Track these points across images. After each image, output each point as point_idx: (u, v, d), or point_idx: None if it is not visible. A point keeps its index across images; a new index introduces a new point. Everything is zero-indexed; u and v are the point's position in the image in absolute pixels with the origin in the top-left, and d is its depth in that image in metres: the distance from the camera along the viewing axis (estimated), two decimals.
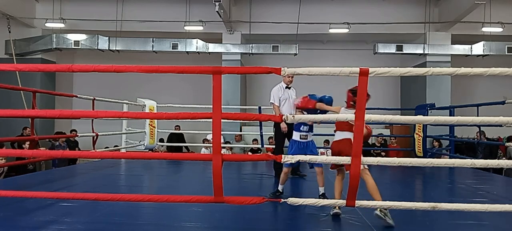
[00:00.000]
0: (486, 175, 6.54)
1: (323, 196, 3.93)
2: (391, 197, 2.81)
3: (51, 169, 8.72)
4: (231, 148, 10.15)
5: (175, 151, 10.15)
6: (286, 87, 5.48)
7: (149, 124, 8.39)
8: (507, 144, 7.68)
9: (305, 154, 3.85)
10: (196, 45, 11.41)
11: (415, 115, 8.18)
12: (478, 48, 11.07)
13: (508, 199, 4.54)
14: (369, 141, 10.06)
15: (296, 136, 4.13)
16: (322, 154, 9.08)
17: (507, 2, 11.03)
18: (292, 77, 5.45)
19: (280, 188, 4.19)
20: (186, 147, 11.43)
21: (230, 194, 2.75)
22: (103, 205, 3.48)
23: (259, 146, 9.02)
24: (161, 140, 10.63)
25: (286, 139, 5.37)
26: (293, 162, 2.74)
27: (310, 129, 4.11)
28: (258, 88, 13.21)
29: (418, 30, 11.51)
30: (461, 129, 10.39)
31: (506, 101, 6.16)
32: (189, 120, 6.29)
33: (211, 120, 2.56)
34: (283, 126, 5.20)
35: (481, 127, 7.82)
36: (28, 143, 7.52)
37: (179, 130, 11.12)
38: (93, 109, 6.41)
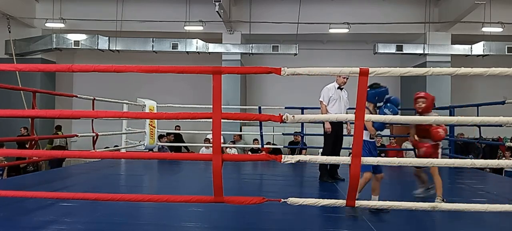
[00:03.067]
0: (486, 175, 6.55)
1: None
2: (391, 197, 2.81)
3: (51, 169, 8.73)
4: (235, 148, 10.14)
5: (174, 151, 10.14)
6: (338, 88, 5.29)
7: (149, 124, 8.39)
8: (507, 144, 7.68)
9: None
10: (196, 45, 11.41)
11: (415, 115, 8.16)
12: (478, 48, 11.07)
13: (508, 199, 4.54)
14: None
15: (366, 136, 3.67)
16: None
17: (507, 2, 11.03)
18: (347, 78, 5.24)
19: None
20: (186, 147, 11.42)
21: (230, 194, 2.75)
22: (103, 205, 3.47)
23: (259, 146, 9.02)
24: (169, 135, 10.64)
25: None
26: (293, 162, 2.73)
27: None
28: (258, 88, 13.22)
29: (418, 30, 11.51)
30: (461, 129, 10.39)
31: (506, 101, 6.15)
32: (189, 120, 6.29)
33: (211, 120, 2.56)
34: (327, 126, 5.15)
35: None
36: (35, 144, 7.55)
37: (180, 129, 11.12)
38: (93, 109, 6.41)
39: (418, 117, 3.20)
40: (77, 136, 7.37)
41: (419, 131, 4.01)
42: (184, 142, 11.47)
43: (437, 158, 3.85)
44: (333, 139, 5.27)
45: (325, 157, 2.95)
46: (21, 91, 10.24)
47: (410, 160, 2.74)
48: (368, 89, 3.52)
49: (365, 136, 3.67)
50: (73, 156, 7.89)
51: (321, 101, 5.29)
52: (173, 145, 10.41)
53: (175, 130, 10.95)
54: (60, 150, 9.38)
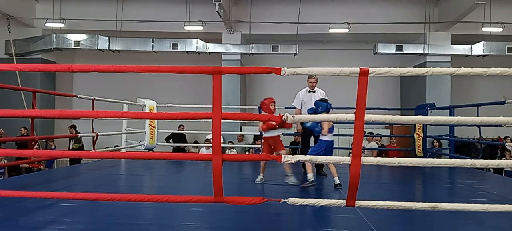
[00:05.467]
0: (486, 175, 6.55)
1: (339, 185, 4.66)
2: (391, 197, 2.81)
3: (51, 169, 8.73)
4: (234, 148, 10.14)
5: (178, 151, 10.16)
6: (309, 91, 5.70)
7: (149, 124, 8.39)
8: (507, 144, 7.68)
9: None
10: (196, 45, 11.41)
11: (415, 115, 8.19)
12: (478, 48, 11.07)
13: (508, 199, 4.54)
14: (369, 142, 10.04)
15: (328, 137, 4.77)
16: None
17: (507, 2, 11.03)
18: (315, 82, 5.68)
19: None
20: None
21: (230, 194, 2.75)
22: (103, 205, 3.47)
23: (259, 146, 9.01)
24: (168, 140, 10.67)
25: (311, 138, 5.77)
26: (293, 162, 2.73)
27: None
28: (258, 88, 13.21)
29: (418, 30, 11.51)
30: (461, 129, 10.39)
31: (506, 101, 6.15)
32: (189, 120, 6.30)
33: (211, 120, 2.56)
34: (298, 127, 5.85)
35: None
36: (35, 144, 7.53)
37: (183, 129, 11.13)
38: (93, 109, 6.41)
39: (419, 117, 3.20)
40: (77, 136, 7.38)
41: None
42: (187, 142, 11.50)
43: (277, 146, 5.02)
44: (308, 137, 5.76)
45: (324, 157, 2.95)
46: (21, 91, 10.24)
47: (410, 160, 2.74)
48: (325, 102, 4.72)
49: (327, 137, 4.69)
50: (72, 156, 7.88)
51: (294, 106, 5.87)
52: (177, 145, 10.43)
53: (180, 129, 10.97)
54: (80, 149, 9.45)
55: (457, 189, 5.31)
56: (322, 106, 4.66)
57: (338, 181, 4.70)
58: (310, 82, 5.69)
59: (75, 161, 9.03)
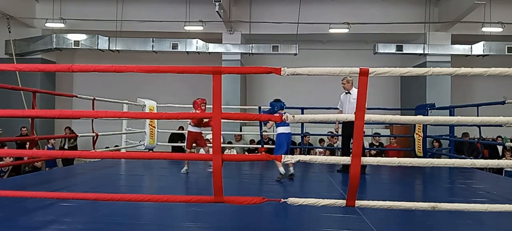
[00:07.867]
0: (486, 175, 6.54)
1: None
2: (391, 197, 2.81)
3: (51, 169, 8.73)
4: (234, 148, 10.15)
5: (177, 152, 10.14)
6: (345, 93, 5.98)
7: (149, 124, 8.40)
8: (507, 144, 7.68)
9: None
10: (196, 45, 11.41)
11: (415, 115, 8.18)
12: (478, 48, 11.07)
13: (508, 199, 4.54)
14: (368, 141, 10.04)
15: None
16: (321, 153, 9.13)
17: (507, 2, 11.03)
18: (345, 83, 5.87)
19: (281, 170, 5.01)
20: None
21: (230, 194, 2.75)
22: (103, 205, 3.47)
23: (259, 146, 9.02)
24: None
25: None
26: (293, 161, 2.73)
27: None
28: (258, 88, 13.22)
29: (418, 30, 11.51)
30: (461, 129, 10.40)
31: (506, 101, 6.15)
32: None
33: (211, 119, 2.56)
34: (335, 126, 6.56)
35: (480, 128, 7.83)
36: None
37: (183, 130, 11.12)
38: (93, 109, 6.41)
39: (419, 117, 3.20)
40: (77, 136, 7.38)
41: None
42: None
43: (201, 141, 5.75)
44: (347, 139, 6.08)
45: (324, 157, 2.95)
46: (21, 91, 10.24)
47: (410, 160, 2.74)
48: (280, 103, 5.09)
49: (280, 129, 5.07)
50: (73, 156, 7.89)
51: (338, 108, 6.28)
52: (176, 145, 10.42)
53: (179, 130, 10.96)
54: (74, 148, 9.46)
55: (457, 189, 5.31)
56: (272, 106, 5.19)
57: (284, 171, 5.08)
58: (342, 84, 5.91)
59: (69, 160, 9.05)
